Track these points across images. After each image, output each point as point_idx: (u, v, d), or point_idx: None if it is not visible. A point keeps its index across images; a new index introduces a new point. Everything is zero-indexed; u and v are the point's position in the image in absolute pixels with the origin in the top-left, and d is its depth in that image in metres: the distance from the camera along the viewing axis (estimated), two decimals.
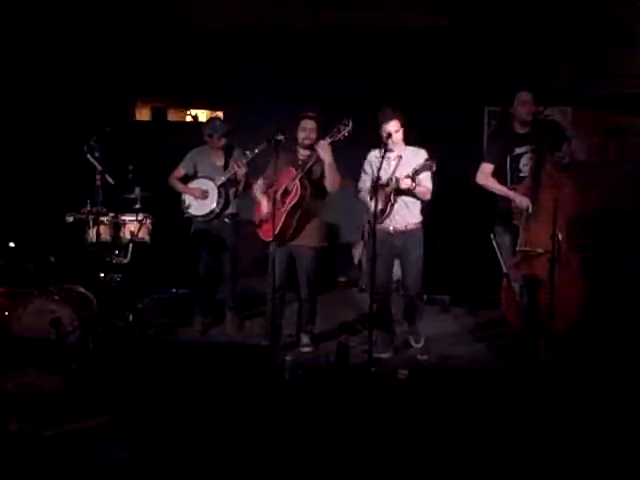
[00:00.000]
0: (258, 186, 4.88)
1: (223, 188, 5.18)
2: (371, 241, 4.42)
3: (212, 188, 5.19)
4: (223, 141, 5.19)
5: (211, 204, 5.19)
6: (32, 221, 5.46)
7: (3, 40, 6.06)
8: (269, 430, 3.43)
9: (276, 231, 4.49)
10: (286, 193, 4.58)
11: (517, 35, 6.24)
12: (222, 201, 5.18)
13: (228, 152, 5.25)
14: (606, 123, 6.47)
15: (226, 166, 5.20)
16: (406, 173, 4.47)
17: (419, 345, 4.91)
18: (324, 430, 3.49)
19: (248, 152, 5.01)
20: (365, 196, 4.72)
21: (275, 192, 4.48)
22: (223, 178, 5.15)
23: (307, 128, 4.65)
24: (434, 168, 4.47)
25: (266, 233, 4.73)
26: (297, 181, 4.56)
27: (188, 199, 5.25)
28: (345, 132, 4.46)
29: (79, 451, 3.03)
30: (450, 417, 3.65)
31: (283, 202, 4.57)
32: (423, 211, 4.70)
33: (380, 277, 4.56)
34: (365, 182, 4.73)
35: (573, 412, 3.70)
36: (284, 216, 4.57)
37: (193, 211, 5.24)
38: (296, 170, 4.59)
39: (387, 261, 4.70)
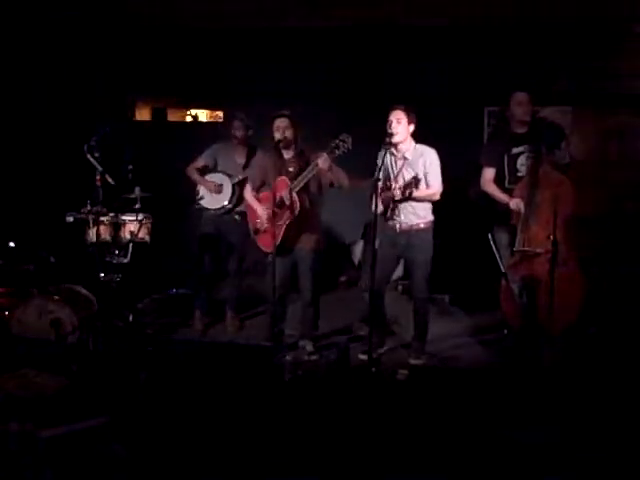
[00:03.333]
0: (248, 190, 4.85)
1: (238, 186, 5.19)
2: (372, 239, 4.32)
3: (227, 184, 5.22)
4: (241, 133, 5.18)
5: (224, 199, 5.22)
6: (32, 221, 5.46)
7: (3, 41, 6.06)
8: (269, 430, 3.44)
9: (276, 244, 4.44)
10: (282, 205, 4.43)
11: (517, 35, 6.23)
12: (235, 199, 5.20)
13: (251, 152, 5.25)
14: (606, 123, 6.47)
15: (246, 165, 5.21)
16: (409, 177, 4.40)
17: (418, 361, 4.66)
18: (324, 430, 3.49)
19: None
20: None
21: (273, 202, 4.40)
22: (241, 177, 5.17)
23: (281, 127, 4.55)
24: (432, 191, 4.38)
25: (265, 244, 4.67)
26: (295, 194, 4.44)
27: (202, 191, 5.29)
28: (343, 149, 4.34)
29: (79, 451, 3.03)
30: (450, 417, 3.65)
31: (281, 215, 4.45)
32: (433, 211, 4.59)
33: (377, 275, 4.40)
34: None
35: (573, 412, 3.71)
36: (283, 229, 4.47)
37: (205, 203, 5.28)
38: (290, 180, 4.46)
39: (388, 260, 4.60)
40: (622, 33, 6.01)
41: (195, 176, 5.33)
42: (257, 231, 4.76)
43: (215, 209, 5.27)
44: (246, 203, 4.93)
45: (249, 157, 5.24)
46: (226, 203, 5.22)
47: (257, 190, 4.81)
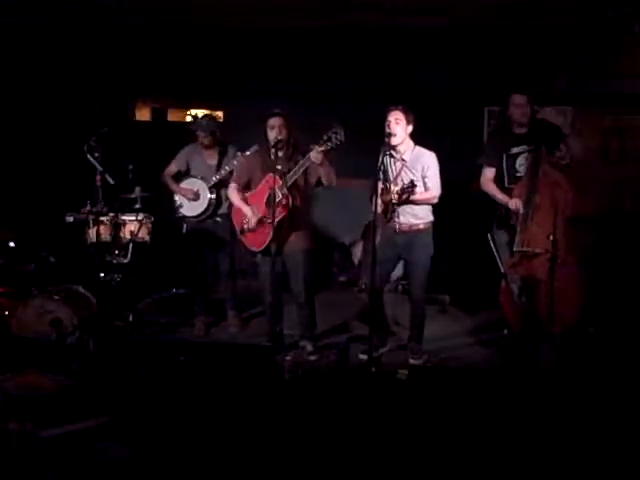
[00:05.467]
0: (232, 189, 4.72)
1: (215, 188, 5.16)
2: (371, 240, 4.33)
3: (203, 188, 5.17)
4: (208, 139, 5.15)
5: (202, 205, 5.18)
6: (32, 221, 5.46)
7: (3, 41, 6.07)
8: (269, 430, 3.44)
9: (266, 244, 4.44)
10: (273, 202, 4.30)
11: (517, 35, 6.24)
12: (214, 201, 5.17)
13: (222, 151, 5.22)
14: (606, 123, 6.47)
15: (219, 165, 5.17)
16: (407, 181, 4.36)
17: (418, 362, 4.65)
18: (324, 430, 3.49)
19: (239, 154, 4.98)
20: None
21: (263, 200, 4.38)
22: (215, 178, 5.12)
23: (275, 126, 4.49)
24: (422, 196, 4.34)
25: (252, 242, 4.63)
26: (285, 191, 4.39)
27: (180, 199, 5.25)
28: (336, 141, 4.27)
29: (79, 451, 3.04)
30: (450, 417, 3.65)
31: (270, 212, 4.34)
32: (432, 211, 4.57)
33: (376, 275, 4.38)
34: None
35: (573, 412, 3.71)
36: (274, 227, 4.33)
37: (185, 211, 5.25)
38: (281, 178, 4.37)
39: (386, 260, 4.58)
40: (622, 33, 6.01)
41: (171, 185, 5.27)
42: (243, 231, 4.68)
43: (195, 216, 5.23)
44: (233, 204, 4.78)
45: (221, 156, 5.20)
46: (205, 207, 5.18)
47: (242, 190, 4.71)
